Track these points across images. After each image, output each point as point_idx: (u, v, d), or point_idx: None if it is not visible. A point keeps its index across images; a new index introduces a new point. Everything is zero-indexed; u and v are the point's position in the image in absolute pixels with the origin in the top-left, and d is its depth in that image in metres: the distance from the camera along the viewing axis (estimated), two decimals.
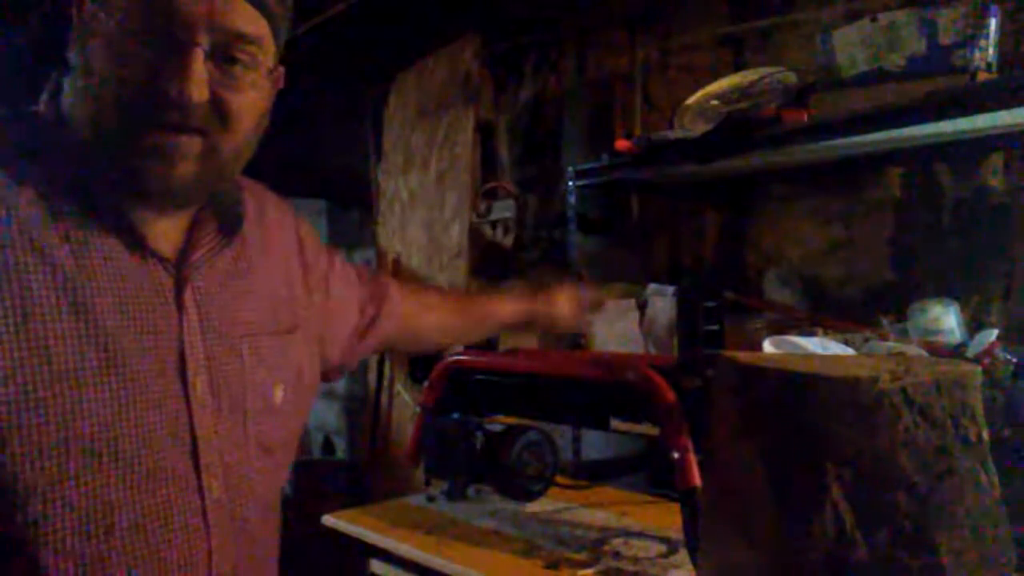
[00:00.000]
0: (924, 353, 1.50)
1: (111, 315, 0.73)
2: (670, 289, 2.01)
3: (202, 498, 0.79)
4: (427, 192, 3.08)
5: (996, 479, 0.59)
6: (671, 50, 2.39)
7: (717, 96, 1.84)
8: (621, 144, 2.04)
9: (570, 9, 2.69)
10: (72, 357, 0.70)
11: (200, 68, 0.70)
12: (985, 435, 0.59)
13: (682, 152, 1.88)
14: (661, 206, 2.46)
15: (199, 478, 0.78)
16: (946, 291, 1.71)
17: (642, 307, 2.04)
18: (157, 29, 0.69)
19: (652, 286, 2.08)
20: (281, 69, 0.81)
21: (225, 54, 0.73)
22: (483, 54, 2.91)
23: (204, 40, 0.70)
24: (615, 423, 1.36)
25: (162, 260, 0.78)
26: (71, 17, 0.73)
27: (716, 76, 1.95)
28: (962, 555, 0.56)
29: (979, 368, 0.61)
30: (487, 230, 2.92)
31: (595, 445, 2.33)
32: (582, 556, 1.30)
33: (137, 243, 0.76)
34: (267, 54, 0.77)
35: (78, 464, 0.70)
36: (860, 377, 0.57)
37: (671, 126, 2.00)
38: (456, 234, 2.92)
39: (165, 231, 0.79)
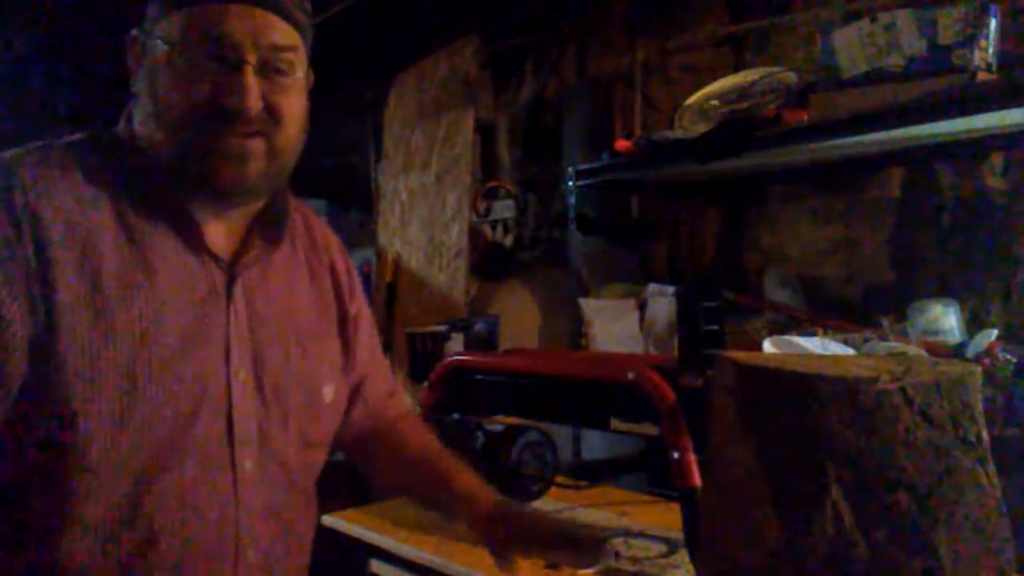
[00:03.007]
0: (924, 353, 1.50)
1: (168, 299, 0.83)
2: (670, 289, 2.01)
3: (234, 471, 0.86)
4: (427, 192, 3.08)
5: (996, 479, 0.59)
6: (671, 50, 2.39)
7: (717, 96, 1.84)
8: (621, 144, 2.04)
9: (570, 9, 2.69)
10: (130, 327, 0.79)
11: (252, 82, 0.82)
12: (985, 435, 0.59)
13: (682, 152, 1.88)
14: (661, 206, 2.46)
15: (232, 453, 0.86)
16: (946, 291, 1.71)
17: (642, 307, 2.04)
18: (211, 52, 0.81)
19: (652, 286, 2.08)
20: (311, 71, 0.92)
21: (269, 65, 0.84)
22: (483, 54, 2.91)
23: (252, 57, 0.82)
24: (615, 423, 1.36)
25: (215, 257, 0.88)
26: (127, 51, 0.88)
27: (716, 76, 1.95)
28: (962, 555, 0.56)
29: (979, 368, 0.61)
30: (487, 230, 2.91)
31: (595, 445, 2.32)
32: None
33: (195, 239, 0.87)
34: (301, 60, 0.88)
35: (125, 421, 0.78)
36: (860, 377, 0.57)
37: (671, 126, 2.00)
38: (456, 234, 2.92)
39: (221, 232, 0.90)
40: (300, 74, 0.88)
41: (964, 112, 1.46)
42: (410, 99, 3.19)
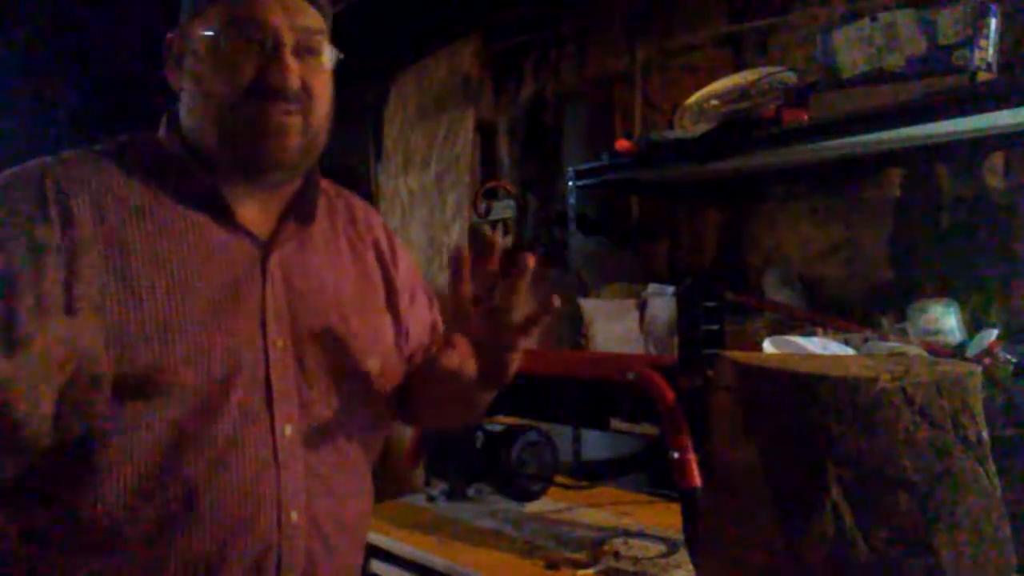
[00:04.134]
0: (924, 353, 1.50)
1: (198, 271, 0.86)
2: (670, 289, 2.01)
3: (273, 435, 0.88)
4: (427, 192, 3.08)
5: (996, 479, 0.59)
6: (671, 50, 2.39)
7: (717, 96, 1.84)
8: (621, 144, 2.04)
9: (570, 9, 2.68)
10: (157, 296, 0.83)
11: (291, 62, 0.88)
12: (985, 435, 0.59)
13: (682, 152, 1.88)
14: (661, 206, 2.46)
15: (272, 418, 0.88)
16: (946, 291, 1.71)
17: (642, 307, 2.04)
18: (251, 36, 0.87)
19: (652, 286, 2.08)
20: (335, 50, 0.95)
21: (302, 47, 0.90)
22: (483, 54, 2.91)
23: (289, 39, 0.88)
24: (615, 423, 1.36)
25: (250, 234, 0.92)
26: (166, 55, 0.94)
27: (716, 76, 1.95)
28: (962, 555, 0.56)
29: (979, 368, 0.61)
30: (487, 230, 2.91)
31: (595, 445, 2.32)
32: (582, 556, 1.31)
33: (228, 218, 0.91)
34: (327, 41, 0.94)
35: (160, 389, 0.81)
36: (860, 377, 0.57)
37: (671, 126, 2.00)
38: (456, 234, 2.92)
39: (255, 212, 0.94)
40: (327, 55, 0.93)
41: (964, 112, 1.46)
42: (410, 99, 3.19)
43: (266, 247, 0.93)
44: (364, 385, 0.98)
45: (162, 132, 0.95)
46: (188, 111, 0.92)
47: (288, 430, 0.89)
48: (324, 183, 1.05)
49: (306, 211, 0.98)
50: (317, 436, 0.92)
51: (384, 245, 1.08)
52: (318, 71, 0.92)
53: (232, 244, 0.91)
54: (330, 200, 1.06)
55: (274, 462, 0.87)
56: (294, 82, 0.88)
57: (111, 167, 0.89)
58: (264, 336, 0.89)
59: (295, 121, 0.90)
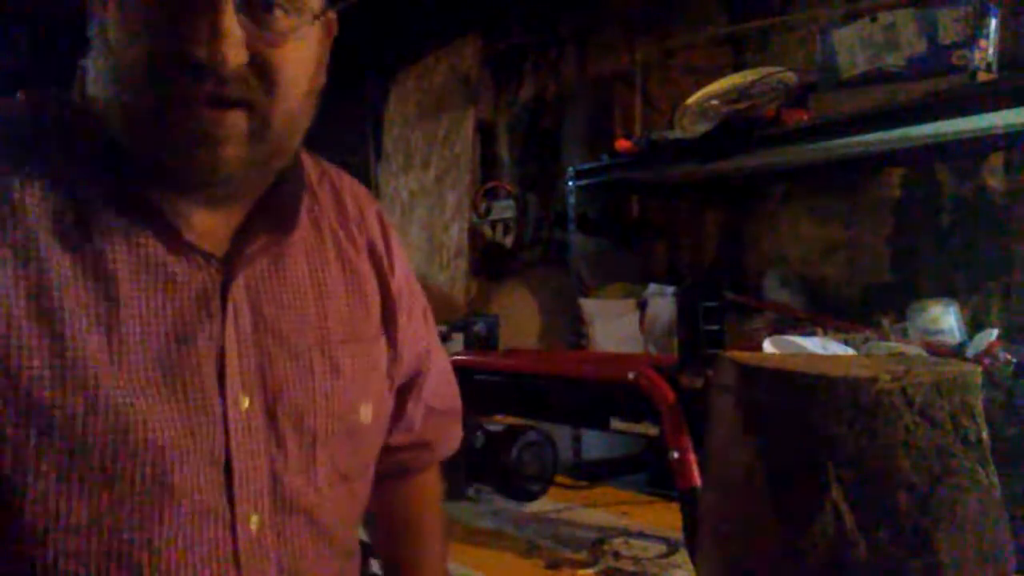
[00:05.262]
0: (924, 353, 1.50)
1: (134, 318, 0.62)
2: (670, 289, 2.01)
3: (234, 533, 0.65)
4: (427, 192, 3.08)
5: (996, 479, 0.59)
6: (671, 50, 2.39)
7: (717, 96, 1.84)
8: (621, 144, 2.04)
9: (570, 9, 2.69)
10: (87, 360, 0.59)
11: (232, 22, 0.57)
12: (985, 435, 0.59)
13: (682, 152, 1.88)
14: (661, 206, 2.46)
15: (233, 510, 0.65)
16: (946, 291, 1.71)
17: (642, 307, 2.04)
18: None
19: (652, 286, 2.08)
20: (331, 14, 0.66)
21: (260, 0, 0.59)
22: (483, 54, 2.91)
23: None
24: (615, 423, 1.36)
25: (204, 255, 0.65)
26: None
27: (716, 76, 1.95)
28: (962, 555, 0.56)
29: (979, 368, 0.61)
30: (487, 230, 2.92)
31: (595, 445, 2.33)
32: (582, 556, 1.30)
33: (169, 235, 0.64)
34: None
35: (83, 478, 0.59)
36: (860, 377, 0.57)
37: (671, 126, 2.00)
38: (456, 234, 2.92)
39: (210, 225, 0.67)
40: (309, 15, 0.62)
41: (964, 112, 1.46)
42: (410, 99, 3.19)
43: (227, 269, 0.66)
44: (354, 444, 0.75)
45: (77, 95, 0.66)
46: (95, 78, 0.63)
47: (254, 522, 0.66)
48: (305, 162, 0.78)
49: (282, 218, 0.71)
50: (293, 523, 0.69)
51: (380, 245, 0.82)
52: (286, 39, 0.60)
53: (176, 267, 0.64)
54: (313, 191, 0.78)
55: (234, 566, 0.65)
56: (233, 55, 0.57)
57: (13, 155, 0.62)
58: (223, 395, 0.65)
59: (235, 119, 0.60)
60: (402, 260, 0.86)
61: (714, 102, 1.84)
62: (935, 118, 1.49)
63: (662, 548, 1.33)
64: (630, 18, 2.50)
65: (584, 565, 1.26)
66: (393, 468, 0.89)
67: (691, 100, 1.92)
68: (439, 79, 3.05)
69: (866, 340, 1.61)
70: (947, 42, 1.48)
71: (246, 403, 0.66)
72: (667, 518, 1.44)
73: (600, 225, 2.53)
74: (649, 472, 2.10)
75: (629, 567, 1.25)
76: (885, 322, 1.70)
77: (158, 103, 0.58)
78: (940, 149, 1.75)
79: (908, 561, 0.55)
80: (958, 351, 1.51)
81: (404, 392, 0.86)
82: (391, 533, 0.95)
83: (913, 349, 1.51)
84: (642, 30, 2.47)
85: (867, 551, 0.55)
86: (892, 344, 1.55)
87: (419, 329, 0.88)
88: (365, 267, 0.80)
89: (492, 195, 2.91)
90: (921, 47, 1.51)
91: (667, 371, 1.21)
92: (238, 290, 0.67)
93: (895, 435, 0.57)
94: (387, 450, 0.85)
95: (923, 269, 1.84)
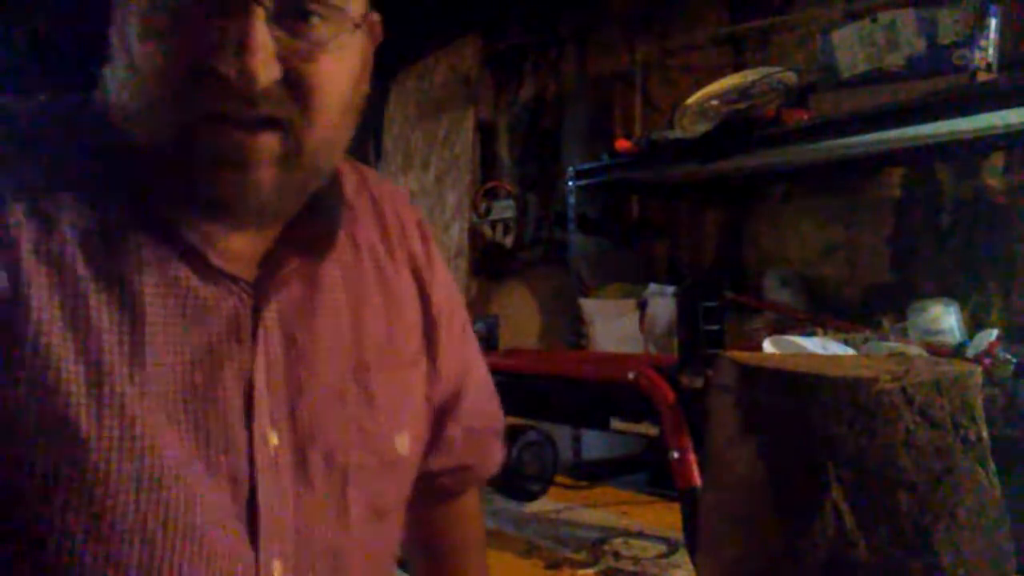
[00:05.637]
0: (924, 353, 1.50)
1: (160, 346, 0.57)
2: (670, 289, 2.01)
3: None
4: (427, 192, 3.08)
5: (996, 479, 0.59)
6: (671, 50, 2.39)
7: (717, 96, 1.84)
8: (621, 144, 2.04)
9: (570, 9, 2.69)
10: (122, 392, 0.55)
11: (263, 33, 0.52)
12: (985, 435, 0.59)
13: (682, 152, 1.89)
14: (661, 206, 2.46)
15: (257, 556, 0.60)
16: (946, 291, 1.71)
17: (642, 307, 2.04)
18: None
19: (652, 286, 2.08)
20: (375, 16, 0.62)
21: (294, 8, 0.54)
22: (483, 54, 2.91)
23: None
24: (615, 423, 1.36)
25: (234, 279, 0.61)
26: None
27: (716, 76, 1.95)
28: (962, 555, 0.56)
29: (979, 368, 0.61)
30: (487, 230, 2.92)
31: (595, 445, 2.33)
32: (582, 556, 1.30)
33: (200, 261, 0.60)
34: None
35: (99, 516, 0.54)
36: (860, 377, 0.57)
37: (671, 126, 2.00)
38: (456, 234, 2.92)
39: (239, 247, 0.62)
40: (350, 22, 0.57)
41: (964, 112, 1.46)
42: (410, 99, 3.19)
43: (258, 294, 0.62)
44: (391, 477, 0.70)
45: (99, 100, 0.60)
46: (117, 89, 0.57)
47: (277, 569, 0.61)
48: (343, 169, 0.72)
49: (317, 238, 0.65)
50: (319, 568, 0.64)
51: (422, 259, 0.77)
52: (324, 51, 0.55)
53: (206, 292, 0.60)
54: (350, 204, 0.72)
55: None
56: (264, 71, 0.52)
57: (43, 168, 0.57)
58: (249, 430, 0.60)
59: (266, 142, 0.55)
60: (443, 272, 0.81)
61: (714, 102, 1.84)
62: (935, 118, 1.49)
63: (662, 548, 1.33)
64: (630, 18, 2.50)
65: (584, 565, 1.26)
66: (433, 493, 0.84)
67: (691, 100, 1.92)
68: (439, 79, 3.05)
69: (866, 340, 1.61)
70: (947, 42, 1.48)
71: (274, 440, 0.62)
72: (667, 518, 1.44)
73: (600, 225, 2.53)
74: (649, 472, 2.09)
75: (629, 567, 1.25)
76: (885, 322, 1.70)
77: (182, 122, 0.54)
78: (940, 149, 1.75)
79: (908, 561, 0.55)
80: (958, 351, 1.51)
81: (443, 413, 0.81)
82: (433, 559, 0.91)
83: (913, 349, 1.51)
84: (642, 30, 2.47)
85: (867, 551, 0.55)
86: (892, 344, 1.55)
87: (460, 345, 0.82)
88: (405, 284, 0.75)
89: (492, 195, 2.91)
90: (921, 47, 1.51)
91: (667, 371, 1.21)
92: (270, 316, 0.63)
93: (895, 435, 0.57)
94: (427, 475, 0.79)
95: (923, 269, 1.84)
